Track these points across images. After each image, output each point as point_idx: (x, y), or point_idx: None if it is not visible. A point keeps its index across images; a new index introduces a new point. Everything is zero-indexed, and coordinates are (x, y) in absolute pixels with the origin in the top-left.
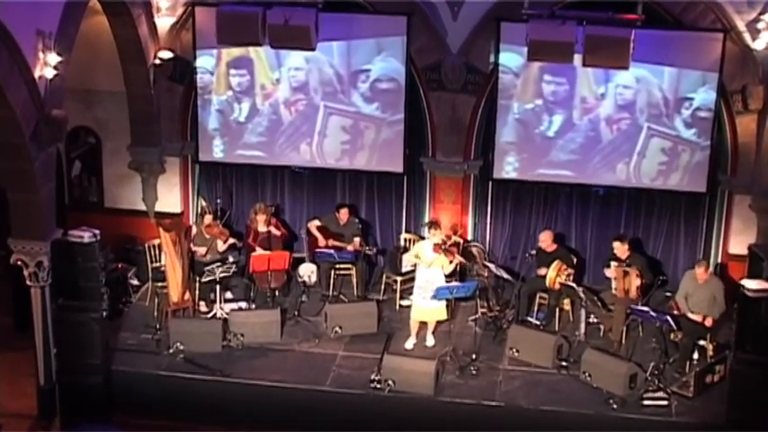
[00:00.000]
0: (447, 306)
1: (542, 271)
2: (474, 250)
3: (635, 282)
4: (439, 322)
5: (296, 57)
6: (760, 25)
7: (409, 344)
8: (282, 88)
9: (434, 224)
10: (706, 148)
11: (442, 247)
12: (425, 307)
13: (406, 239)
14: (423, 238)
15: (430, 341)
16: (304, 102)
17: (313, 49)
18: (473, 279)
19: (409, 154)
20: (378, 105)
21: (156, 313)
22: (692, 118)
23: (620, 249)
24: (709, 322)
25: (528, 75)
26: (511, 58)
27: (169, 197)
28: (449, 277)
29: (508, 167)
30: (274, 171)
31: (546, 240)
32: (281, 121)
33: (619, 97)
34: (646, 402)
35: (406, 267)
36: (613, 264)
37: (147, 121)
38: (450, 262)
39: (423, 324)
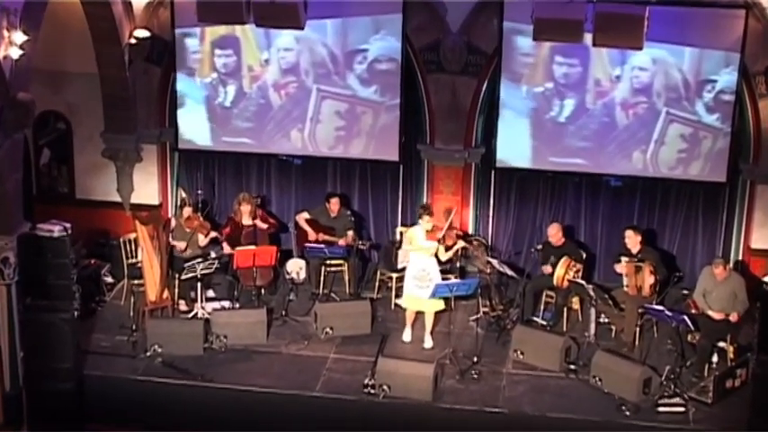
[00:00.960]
0: (446, 303)
1: (548, 269)
2: (475, 245)
3: (648, 278)
4: (437, 313)
5: (286, 36)
6: None
7: (406, 336)
8: (272, 70)
9: (426, 209)
10: (729, 134)
11: (438, 232)
12: (421, 297)
13: (402, 233)
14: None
15: (428, 343)
16: (295, 84)
17: (302, 28)
18: (474, 276)
19: (406, 141)
20: (376, 88)
21: (131, 313)
22: (715, 102)
23: (633, 240)
24: (734, 318)
25: (537, 56)
26: (516, 38)
27: (146, 188)
28: (445, 264)
29: (513, 155)
30: (260, 159)
31: (555, 234)
32: (270, 105)
33: (635, 80)
34: (661, 409)
35: (402, 263)
36: (624, 259)
37: (122, 106)
38: (448, 248)
39: (419, 314)
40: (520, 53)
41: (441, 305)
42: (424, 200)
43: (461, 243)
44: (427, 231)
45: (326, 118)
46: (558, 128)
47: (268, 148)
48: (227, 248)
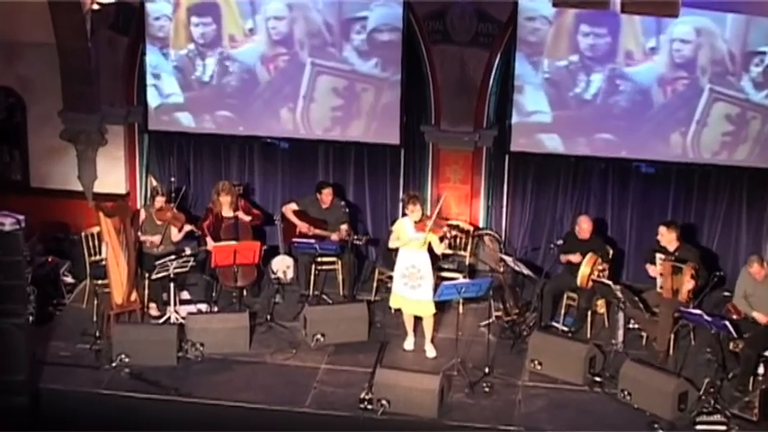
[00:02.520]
0: (453, 307)
1: (575, 257)
2: (486, 240)
3: (688, 282)
4: (440, 317)
5: (275, 1)
6: None
7: (408, 344)
8: (258, 40)
9: (411, 197)
10: None
11: (428, 222)
12: (411, 297)
13: None
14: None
15: (431, 352)
16: (285, 58)
17: None
18: (485, 275)
19: (407, 122)
20: (377, 62)
21: (95, 318)
22: (765, 77)
23: (667, 237)
24: None
25: (559, 24)
26: (534, 4)
27: (111, 175)
28: (444, 261)
29: (530, 138)
30: (242, 143)
31: (586, 229)
32: (256, 81)
33: (676, 53)
34: (699, 427)
35: None
36: (659, 256)
37: (84, 81)
38: (442, 240)
39: (418, 319)
40: (538, 21)
41: (432, 308)
42: (429, 188)
43: (453, 232)
44: (416, 222)
45: (322, 96)
46: (583, 107)
47: (254, 129)
48: (210, 243)
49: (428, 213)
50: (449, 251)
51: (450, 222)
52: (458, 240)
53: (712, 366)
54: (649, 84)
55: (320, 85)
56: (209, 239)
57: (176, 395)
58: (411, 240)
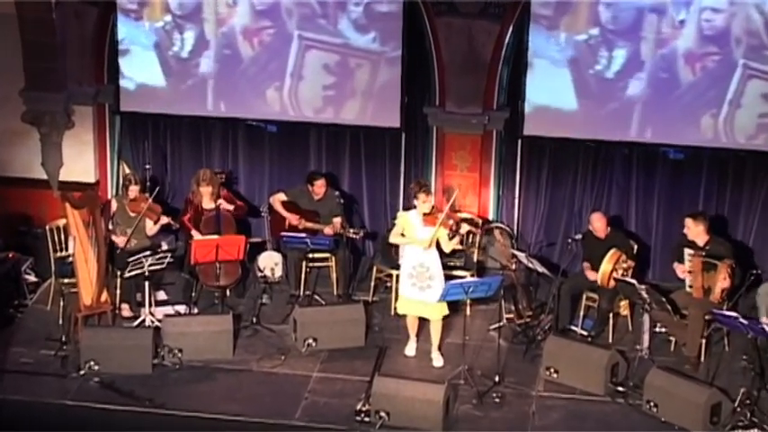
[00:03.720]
0: (459, 308)
1: (592, 275)
2: (497, 234)
3: (723, 281)
4: (446, 320)
5: None
6: None
7: (410, 349)
8: (241, 12)
9: (421, 186)
10: None
11: (439, 215)
12: (420, 299)
13: None
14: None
15: (437, 360)
16: (271, 31)
17: None
18: (496, 273)
19: (409, 103)
20: (375, 36)
21: (61, 321)
22: None
23: (694, 230)
24: None
25: None
26: None
27: (79, 161)
28: (450, 257)
29: (545, 121)
30: (225, 126)
31: (599, 228)
32: (239, 57)
33: (705, 24)
34: None
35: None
36: (688, 252)
37: (48, 57)
38: (451, 237)
39: (424, 321)
40: None
41: (445, 310)
42: (433, 177)
43: (465, 227)
44: (425, 215)
45: (312, 73)
46: (604, 85)
47: (236, 111)
48: (198, 236)
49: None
50: (459, 246)
51: (463, 216)
52: (469, 236)
53: (748, 375)
54: (676, 60)
55: (309, 62)
56: (194, 233)
57: (151, 407)
58: (418, 239)
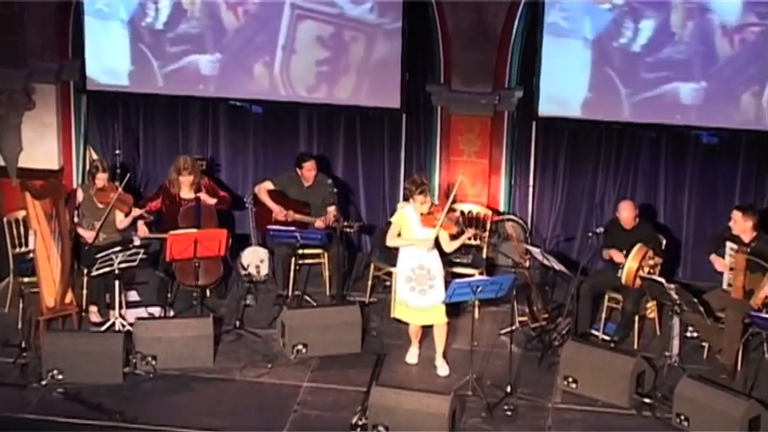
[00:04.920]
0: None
1: (618, 255)
2: (509, 227)
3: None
4: (451, 325)
5: None
6: None
7: (411, 357)
8: None
9: (419, 186)
10: None
11: (438, 215)
12: (420, 305)
13: None
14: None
15: (442, 369)
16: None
17: None
18: (508, 272)
19: (410, 80)
20: (372, 5)
21: (20, 325)
22: None
23: (741, 225)
24: None
25: None
26: None
27: (40, 146)
28: (456, 253)
29: (563, 101)
30: (204, 106)
31: (627, 217)
32: (222, 28)
33: None
34: None
35: None
36: (730, 246)
37: (5, 28)
38: (453, 237)
39: (424, 328)
40: None
41: (444, 316)
42: (437, 163)
43: (470, 231)
44: (423, 215)
45: (304, 47)
46: (630, 60)
47: (219, 89)
48: (142, 229)
49: (436, 202)
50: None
51: (467, 208)
52: (477, 238)
53: None
54: (712, 31)
55: (302, 34)
56: (141, 225)
57: (122, 421)
58: (417, 241)
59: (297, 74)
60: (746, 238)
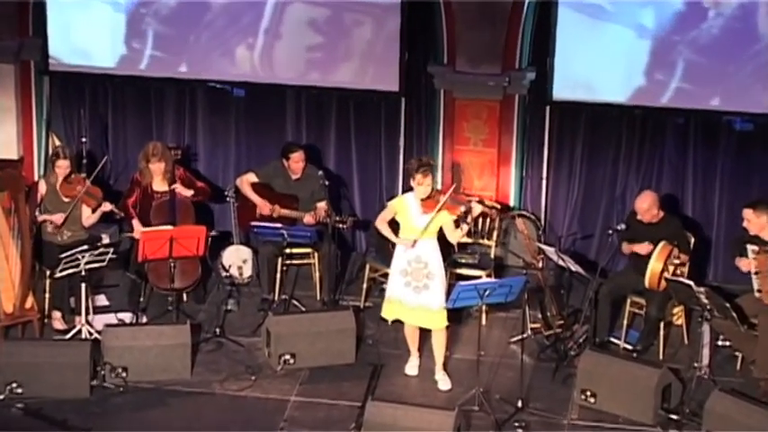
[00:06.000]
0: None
1: (643, 247)
2: (519, 223)
3: None
4: (451, 330)
5: None
6: None
7: (411, 368)
8: None
9: (424, 166)
10: None
11: (440, 197)
12: (415, 304)
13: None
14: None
15: (444, 383)
16: None
17: None
18: (518, 273)
19: (410, 60)
20: None
21: None
22: None
23: (755, 223)
24: None
25: None
26: None
27: None
28: (461, 252)
29: (580, 83)
30: (180, 89)
31: (648, 209)
32: (203, 5)
33: None
34: None
35: None
36: (752, 248)
37: None
38: (459, 224)
39: (425, 332)
40: None
41: (443, 318)
42: (440, 152)
43: (477, 208)
44: (423, 201)
45: (292, 30)
46: (654, 38)
47: (199, 72)
48: (138, 227)
49: (438, 188)
50: (467, 239)
51: (472, 199)
52: (481, 224)
53: None
54: (756, 7)
55: (290, 17)
56: (135, 222)
57: None
58: (412, 228)
59: (281, 59)
60: (766, 235)
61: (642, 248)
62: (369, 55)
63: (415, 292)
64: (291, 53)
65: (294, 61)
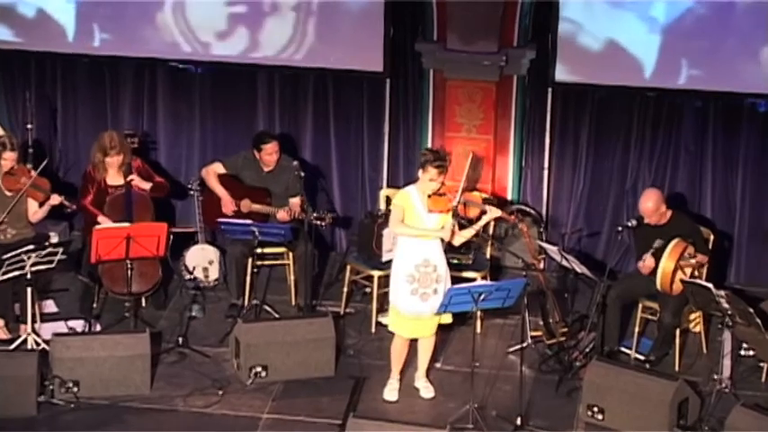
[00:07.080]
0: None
1: (649, 263)
2: (519, 220)
3: None
4: (443, 332)
5: None
6: None
7: (391, 393)
8: None
9: (437, 155)
10: None
11: (452, 195)
12: (419, 313)
13: (389, 200)
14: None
15: (427, 391)
16: None
17: None
18: (518, 275)
19: (395, 37)
20: None
21: None
22: None
23: None
24: None
25: None
26: None
27: None
28: (454, 252)
29: (585, 62)
30: (139, 68)
31: (652, 209)
32: None
33: None
34: None
35: (389, 253)
36: None
37: None
38: (463, 224)
39: (413, 343)
40: None
41: (448, 318)
42: (429, 139)
43: (493, 211)
44: (431, 197)
45: None
46: (668, 12)
47: (158, 50)
48: (106, 222)
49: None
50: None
51: (484, 197)
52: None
53: None
54: None
55: None
56: (102, 219)
57: None
58: (427, 231)
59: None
60: None
61: (646, 264)
62: (347, 31)
63: (421, 300)
64: (273, 30)
65: (279, 37)
